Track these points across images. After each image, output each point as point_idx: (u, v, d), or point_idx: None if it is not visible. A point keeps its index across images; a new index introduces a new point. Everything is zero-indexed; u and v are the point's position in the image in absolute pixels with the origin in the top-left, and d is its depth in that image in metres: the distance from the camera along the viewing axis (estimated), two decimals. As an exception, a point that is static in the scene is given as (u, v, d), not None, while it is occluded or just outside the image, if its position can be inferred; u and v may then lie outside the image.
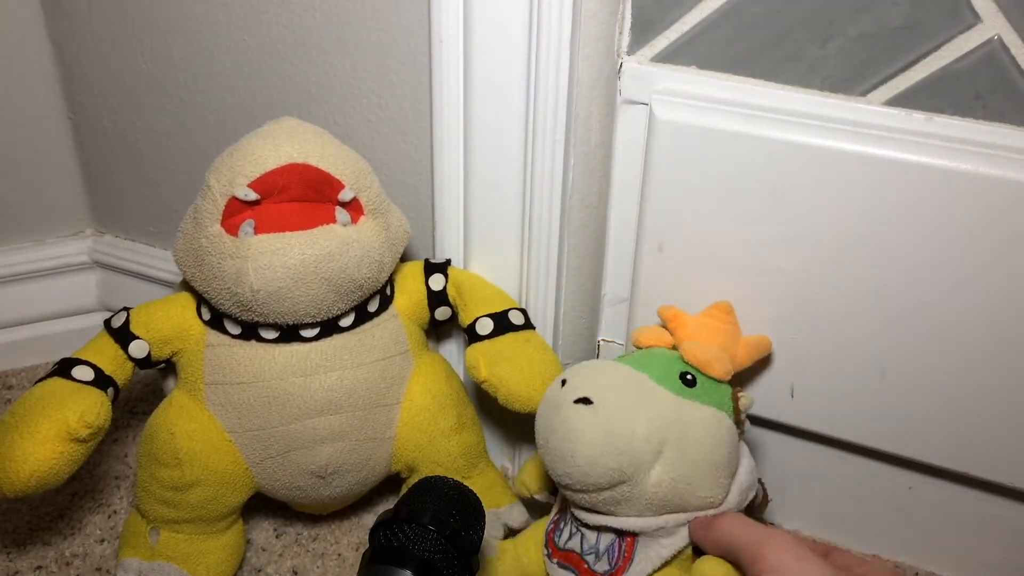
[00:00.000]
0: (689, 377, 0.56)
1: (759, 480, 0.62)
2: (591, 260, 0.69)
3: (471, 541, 0.51)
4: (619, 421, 0.53)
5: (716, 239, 0.63)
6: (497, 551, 0.62)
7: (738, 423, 0.58)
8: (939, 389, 0.61)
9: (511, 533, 0.68)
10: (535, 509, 0.69)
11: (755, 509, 0.62)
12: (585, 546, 0.58)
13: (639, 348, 0.61)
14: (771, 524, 0.73)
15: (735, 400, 0.58)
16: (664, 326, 0.63)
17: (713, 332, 0.60)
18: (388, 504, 0.74)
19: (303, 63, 0.70)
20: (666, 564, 0.55)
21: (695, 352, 0.57)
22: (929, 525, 0.68)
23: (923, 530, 0.68)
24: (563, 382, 0.56)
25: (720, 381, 0.58)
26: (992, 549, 0.66)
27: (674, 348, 0.60)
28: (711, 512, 0.55)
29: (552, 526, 0.62)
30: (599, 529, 0.57)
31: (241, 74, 0.73)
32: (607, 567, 0.56)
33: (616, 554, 0.56)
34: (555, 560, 0.60)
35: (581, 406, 0.53)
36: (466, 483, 0.55)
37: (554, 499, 0.65)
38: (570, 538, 0.59)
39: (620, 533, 0.56)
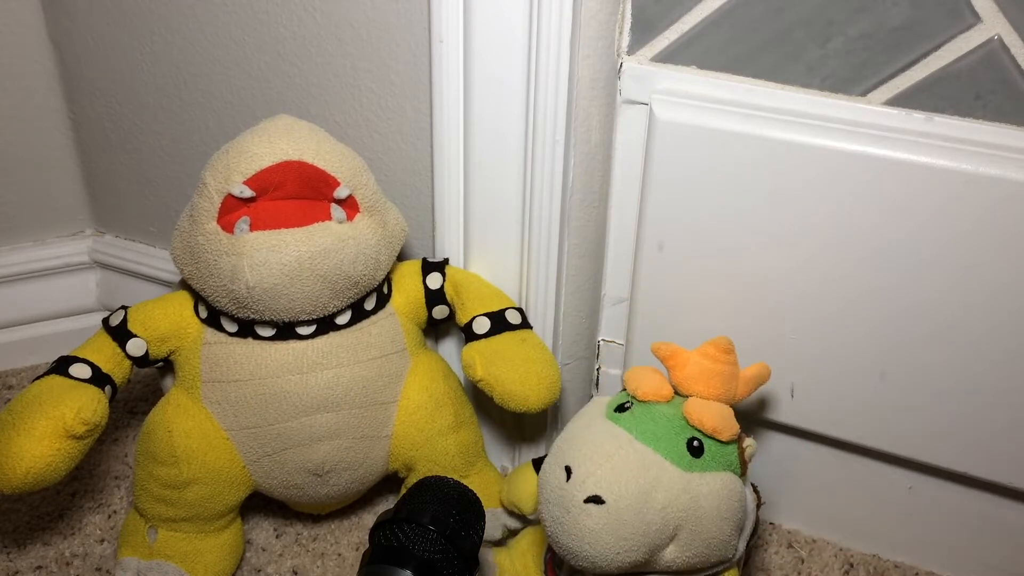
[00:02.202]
0: (696, 444, 0.53)
1: (753, 486, 0.62)
2: (591, 260, 0.69)
3: (471, 541, 0.51)
4: (633, 517, 0.50)
5: (716, 239, 0.63)
6: (496, 571, 0.62)
7: (743, 474, 0.56)
8: (939, 389, 0.61)
9: (510, 534, 0.68)
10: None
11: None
12: None
13: (635, 398, 0.56)
14: (770, 524, 0.73)
15: (740, 453, 0.55)
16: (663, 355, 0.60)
17: (712, 376, 0.56)
18: (388, 504, 0.74)
19: (303, 63, 0.70)
20: None
21: (702, 418, 0.53)
22: (929, 525, 0.67)
23: (923, 530, 0.68)
24: (567, 471, 0.52)
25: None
26: (992, 549, 0.66)
27: (674, 394, 0.56)
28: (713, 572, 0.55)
29: (550, 554, 0.61)
30: None
31: (241, 74, 0.73)
32: None
33: None
34: None
35: (592, 507, 0.50)
36: (464, 482, 0.54)
37: None
38: (572, 572, 0.58)
39: None
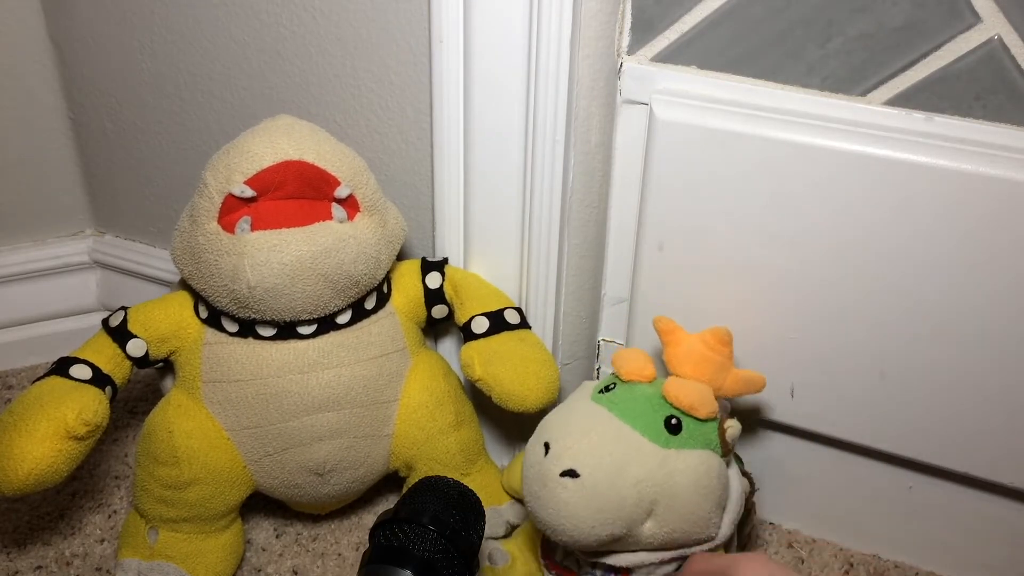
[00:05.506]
0: (674, 422, 0.54)
1: (747, 474, 0.62)
2: (591, 260, 0.69)
3: (471, 541, 0.51)
4: (607, 491, 0.51)
5: (716, 239, 0.63)
6: (509, 559, 0.62)
7: (726, 454, 0.56)
8: (939, 389, 0.61)
9: (513, 529, 0.68)
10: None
11: (747, 512, 0.61)
12: (583, 568, 0.58)
13: (619, 378, 0.57)
14: (770, 524, 0.73)
15: (722, 434, 0.56)
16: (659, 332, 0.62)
17: (702, 361, 0.58)
18: (388, 504, 0.74)
19: (303, 63, 0.70)
20: None
21: (679, 395, 0.55)
22: (929, 525, 0.67)
23: (923, 530, 0.68)
24: (546, 447, 0.53)
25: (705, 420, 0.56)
26: (992, 549, 0.66)
27: (657, 376, 0.58)
28: (697, 549, 0.55)
29: (543, 538, 0.62)
30: (596, 566, 0.57)
31: (241, 74, 0.73)
32: None
33: None
34: (553, 572, 0.60)
35: (568, 480, 0.51)
36: (465, 480, 0.55)
37: None
38: (566, 556, 0.59)
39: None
